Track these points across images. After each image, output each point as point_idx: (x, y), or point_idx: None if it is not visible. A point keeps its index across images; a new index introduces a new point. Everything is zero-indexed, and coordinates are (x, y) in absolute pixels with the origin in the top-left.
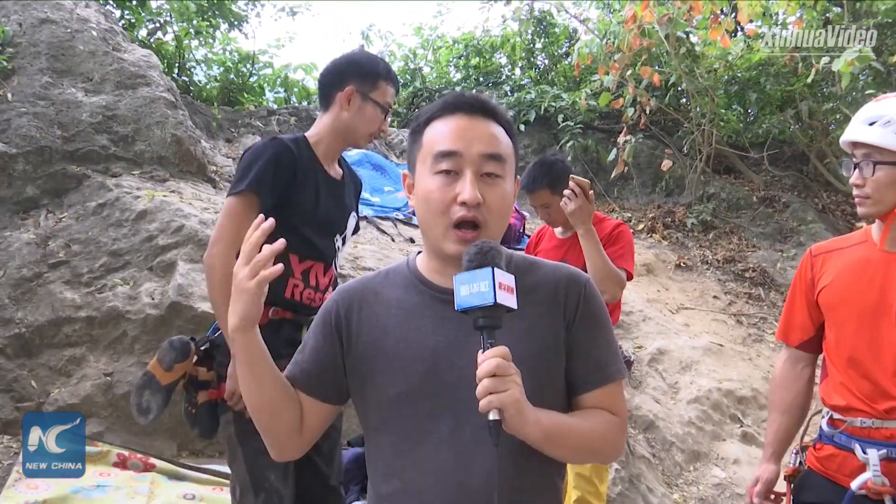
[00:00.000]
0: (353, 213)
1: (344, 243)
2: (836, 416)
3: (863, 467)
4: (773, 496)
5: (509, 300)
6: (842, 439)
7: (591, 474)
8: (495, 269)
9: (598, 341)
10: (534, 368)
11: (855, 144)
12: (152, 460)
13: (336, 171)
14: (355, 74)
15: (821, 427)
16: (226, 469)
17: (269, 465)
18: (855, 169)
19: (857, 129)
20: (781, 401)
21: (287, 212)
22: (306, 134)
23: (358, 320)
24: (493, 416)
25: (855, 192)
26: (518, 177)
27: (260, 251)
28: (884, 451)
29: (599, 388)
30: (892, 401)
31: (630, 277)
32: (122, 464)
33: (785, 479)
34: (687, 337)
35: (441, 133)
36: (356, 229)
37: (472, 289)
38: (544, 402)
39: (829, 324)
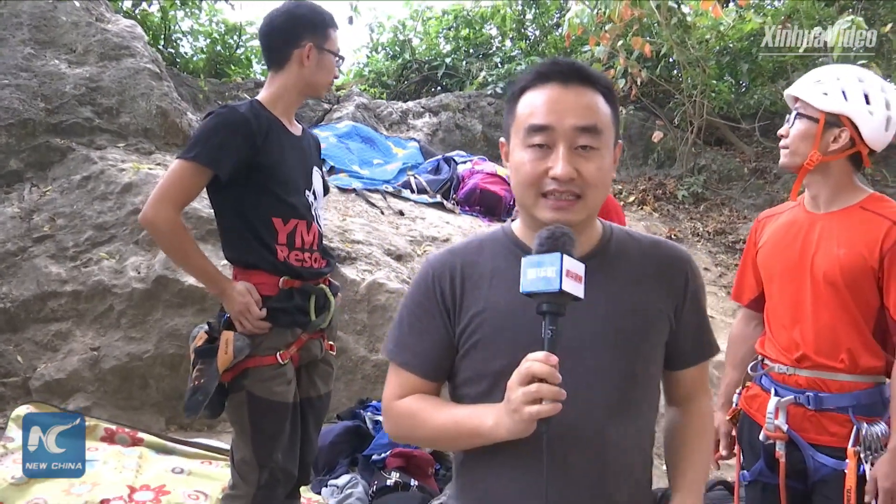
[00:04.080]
0: (317, 168)
1: (316, 198)
2: (766, 360)
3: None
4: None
5: (576, 289)
6: (765, 382)
7: None
8: (564, 255)
9: (702, 318)
10: (633, 342)
11: (795, 99)
12: (140, 434)
13: (296, 128)
14: (308, 29)
15: (750, 370)
16: (214, 443)
17: (276, 445)
18: (787, 122)
19: (796, 84)
20: (734, 356)
21: (257, 175)
22: (259, 98)
23: (462, 292)
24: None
25: (780, 143)
26: (620, 142)
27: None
28: (791, 396)
29: (700, 363)
30: (803, 352)
31: None
32: (109, 438)
33: (728, 420)
34: None
35: (534, 105)
36: (326, 189)
37: (538, 273)
38: (635, 375)
39: (764, 283)
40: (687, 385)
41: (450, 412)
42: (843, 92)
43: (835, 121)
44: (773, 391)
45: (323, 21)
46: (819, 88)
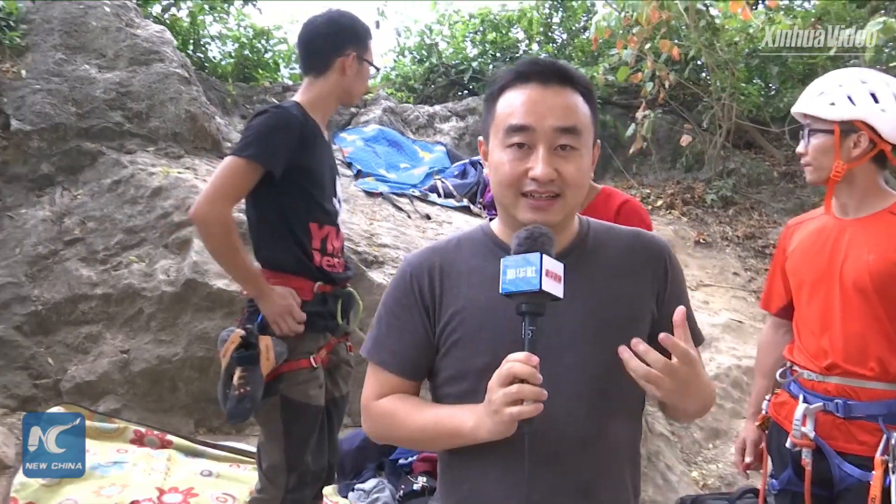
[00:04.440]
0: (338, 176)
1: (340, 206)
2: (795, 366)
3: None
4: (755, 457)
5: (555, 288)
6: (794, 388)
7: None
8: (544, 255)
9: (685, 307)
10: (615, 335)
11: (804, 116)
12: (169, 437)
13: (327, 134)
14: (352, 38)
15: (779, 376)
16: (242, 446)
17: (307, 448)
18: (802, 139)
19: (800, 101)
20: (763, 365)
21: (300, 180)
22: (298, 101)
23: (441, 290)
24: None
25: (801, 161)
26: (598, 142)
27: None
28: (820, 403)
29: None
30: (832, 360)
31: None
32: (139, 440)
33: (758, 427)
34: (707, 314)
35: (513, 105)
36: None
37: (518, 273)
38: (619, 368)
39: (793, 290)
40: None
41: (430, 412)
42: (850, 97)
43: (849, 127)
44: (801, 398)
45: (365, 31)
46: (824, 100)
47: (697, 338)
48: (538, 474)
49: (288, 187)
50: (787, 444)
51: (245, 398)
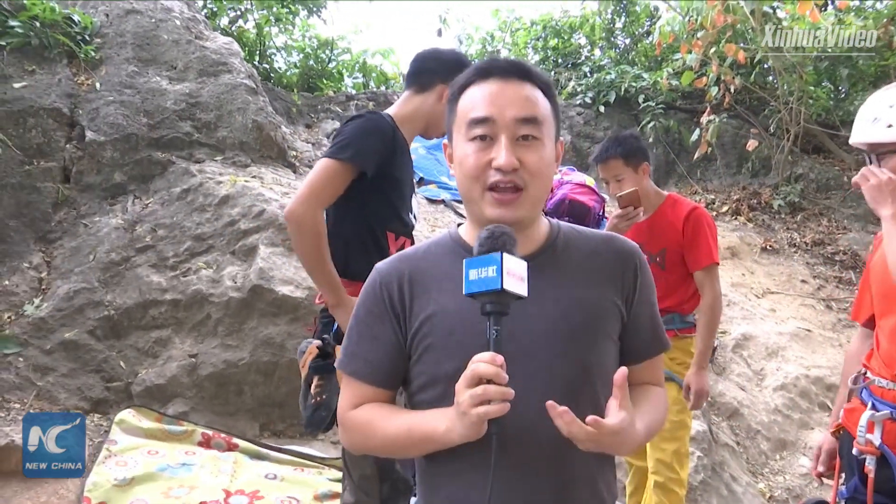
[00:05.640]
0: (414, 191)
1: (415, 221)
2: (868, 373)
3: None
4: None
5: (518, 287)
6: (865, 395)
7: (671, 460)
8: (505, 254)
9: (654, 311)
10: (585, 338)
11: (868, 146)
12: (235, 440)
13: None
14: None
15: (852, 383)
16: (306, 450)
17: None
18: (873, 164)
19: (856, 132)
20: (847, 374)
21: (385, 187)
22: (391, 112)
23: (411, 297)
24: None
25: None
26: (561, 139)
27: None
28: (888, 411)
29: (652, 358)
30: None
31: (717, 263)
32: (206, 443)
33: (832, 435)
34: (773, 322)
35: (474, 99)
36: None
37: (480, 273)
38: (590, 370)
39: (874, 298)
40: (643, 379)
41: (402, 418)
42: (879, 120)
43: None
44: (869, 405)
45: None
46: (881, 125)
47: (661, 344)
48: (512, 478)
49: (373, 194)
50: (854, 451)
51: (320, 407)
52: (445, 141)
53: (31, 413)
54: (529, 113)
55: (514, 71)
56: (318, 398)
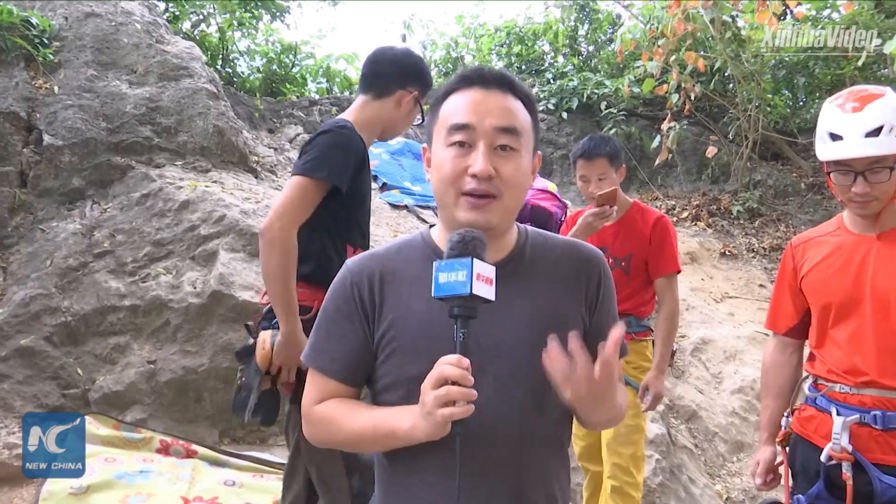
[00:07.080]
0: None
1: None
2: (819, 380)
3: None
4: (771, 475)
5: (487, 291)
6: (822, 402)
7: (628, 464)
8: (475, 259)
9: (615, 319)
10: (545, 343)
11: (862, 161)
12: (194, 447)
13: None
14: (419, 81)
15: (805, 390)
16: (266, 456)
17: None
18: (857, 179)
19: (848, 147)
20: (773, 386)
21: (353, 202)
22: (349, 119)
23: (381, 298)
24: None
25: (859, 198)
26: (539, 152)
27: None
28: (856, 416)
29: None
30: (869, 377)
31: (679, 272)
32: (164, 450)
33: (779, 444)
34: (731, 326)
35: (456, 106)
36: None
37: (449, 277)
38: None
39: (813, 309)
40: None
41: (367, 415)
42: (893, 128)
43: None
44: (834, 411)
45: (430, 82)
46: (867, 138)
47: (624, 349)
48: (474, 480)
49: (340, 209)
50: (822, 458)
51: (241, 389)
52: (425, 145)
53: (31, 413)
54: (509, 123)
55: (498, 81)
56: (240, 381)
